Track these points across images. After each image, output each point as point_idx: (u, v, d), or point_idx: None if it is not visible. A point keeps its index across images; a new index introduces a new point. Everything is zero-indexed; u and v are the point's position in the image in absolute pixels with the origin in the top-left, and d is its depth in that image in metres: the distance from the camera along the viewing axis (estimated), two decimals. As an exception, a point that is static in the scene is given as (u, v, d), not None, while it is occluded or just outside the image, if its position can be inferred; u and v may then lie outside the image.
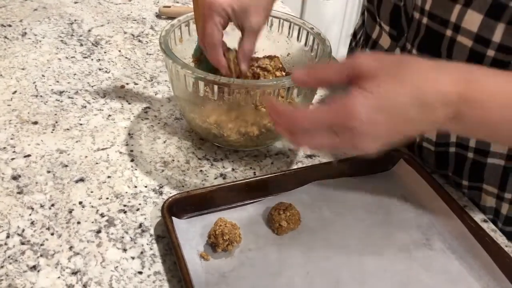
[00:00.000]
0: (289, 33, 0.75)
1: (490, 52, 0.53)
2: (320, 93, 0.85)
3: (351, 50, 0.87)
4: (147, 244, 0.58)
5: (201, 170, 0.68)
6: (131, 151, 0.70)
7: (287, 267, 0.56)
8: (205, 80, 0.61)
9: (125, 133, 0.73)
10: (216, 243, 0.56)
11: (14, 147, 0.69)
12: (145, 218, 0.61)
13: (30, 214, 0.60)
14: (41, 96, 0.79)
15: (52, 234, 0.58)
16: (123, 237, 0.58)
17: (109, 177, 0.66)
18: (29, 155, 0.68)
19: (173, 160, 0.69)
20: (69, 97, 0.79)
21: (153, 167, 0.68)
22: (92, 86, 0.83)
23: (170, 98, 0.81)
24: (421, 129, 0.46)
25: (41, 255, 0.55)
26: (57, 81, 0.83)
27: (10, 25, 0.97)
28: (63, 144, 0.70)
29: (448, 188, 0.68)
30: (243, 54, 0.63)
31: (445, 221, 0.61)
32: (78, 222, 0.59)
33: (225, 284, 0.53)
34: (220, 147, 0.72)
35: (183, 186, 0.65)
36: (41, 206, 0.61)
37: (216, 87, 0.62)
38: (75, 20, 1.01)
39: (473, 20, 0.53)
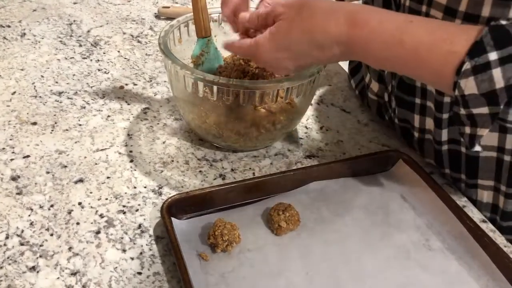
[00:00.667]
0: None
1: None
2: (319, 93, 0.86)
3: None
4: (146, 244, 0.58)
5: (200, 171, 0.68)
6: (130, 151, 0.70)
7: (287, 267, 0.56)
8: (204, 81, 0.61)
9: (124, 134, 0.73)
10: (216, 243, 0.56)
11: (13, 147, 0.69)
12: (145, 219, 0.61)
13: (29, 215, 0.60)
14: (40, 96, 0.79)
15: (52, 234, 0.58)
16: (122, 238, 0.58)
17: (108, 177, 0.66)
18: (28, 156, 0.68)
19: (173, 161, 0.69)
20: (68, 98, 0.79)
21: (152, 168, 0.68)
22: (91, 87, 0.83)
23: (169, 98, 0.81)
24: (324, 61, 0.57)
25: (40, 256, 0.55)
26: (56, 82, 0.83)
27: (9, 26, 0.97)
28: (62, 144, 0.70)
29: (447, 188, 0.68)
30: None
31: (444, 221, 0.62)
32: (77, 223, 0.59)
33: (224, 285, 0.53)
34: (219, 148, 0.72)
35: (182, 187, 0.65)
36: (40, 206, 0.61)
37: (215, 87, 0.62)
38: (74, 21, 1.01)
39: None
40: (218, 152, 0.71)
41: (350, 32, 0.52)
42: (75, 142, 0.71)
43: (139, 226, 0.60)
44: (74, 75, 0.85)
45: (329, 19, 0.52)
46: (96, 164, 0.68)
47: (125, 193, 0.64)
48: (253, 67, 0.69)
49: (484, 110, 0.49)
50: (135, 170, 0.67)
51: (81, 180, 0.65)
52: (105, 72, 0.87)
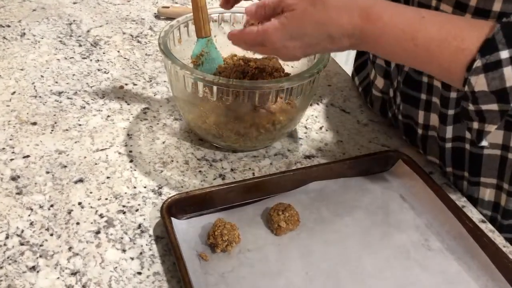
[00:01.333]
0: (287, 33, 0.75)
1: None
2: (319, 93, 0.86)
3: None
4: (146, 244, 0.58)
5: (200, 171, 0.68)
6: (130, 151, 0.70)
7: (286, 267, 0.56)
8: (204, 81, 0.62)
9: (124, 134, 0.73)
10: (215, 243, 0.56)
11: (13, 147, 0.69)
12: (144, 219, 0.61)
13: (29, 215, 0.60)
14: (40, 96, 0.79)
15: (51, 234, 0.58)
16: (122, 238, 0.58)
17: (108, 177, 0.66)
18: (28, 156, 0.68)
19: (172, 161, 0.69)
20: (68, 98, 0.80)
21: (152, 168, 0.68)
22: (91, 87, 0.83)
23: (169, 98, 0.81)
24: (332, 50, 0.57)
25: (40, 256, 0.55)
26: (56, 82, 0.83)
27: (8, 26, 0.97)
28: (62, 144, 0.70)
29: (447, 188, 0.68)
30: None
31: (443, 221, 0.62)
32: (77, 223, 0.59)
33: (224, 284, 0.53)
34: (219, 148, 0.72)
35: (182, 187, 0.66)
36: (40, 206, 0.61)
37: (215, 88, 0.62)
38: (74, 21, 1.01)
39: None
40: (217, 152, 0.71)
41: (363, 26, 0.52)
42: (75, 142, 0.71)
43: (139, 226, 0.60)
44: (74, 75, 0.85)
45: (343, 12, 0.53)
46: (96, 164, 0.68)
47: (125, 193, 0.64)
48: (253, 67, 0.69)
49: (494, 107, 0.49)
50: (135, 170, 0.67)
51: (81, 180, 0.65)
52: (105, 72, 0.87)
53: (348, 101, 0.85)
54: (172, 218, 0.57)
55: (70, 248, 0.56)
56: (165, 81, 0.85)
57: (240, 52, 0.77)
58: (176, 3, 1.12)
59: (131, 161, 0.69)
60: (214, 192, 0.61)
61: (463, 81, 0.49)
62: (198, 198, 0.60)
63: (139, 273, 0.55)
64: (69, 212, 0.61)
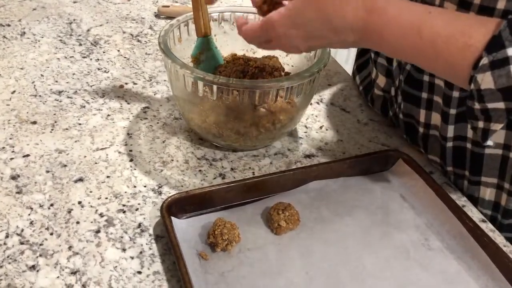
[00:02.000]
0: (288, 33, 0.75)
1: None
2: (319, 93, 0.86)
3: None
4: (146, 244, 0.58)
5: (200, 170, 0.68)
6: (130, 151, 0.70)
7: (286, 267, 0.56)
8: (204, 80, 0.62)
9: (124, 133, 0.73)
10: (215, 242, 0.56)
11: (13, 147, 0.69)
12: (144, 218, 0.61)
13: (29, 214, 0.60)
14: (40, 96, 0.79)
15: (51, 234, 0.58)
16: (122, 237, 0.58)
17: (108, 177, 0.66)
18: (28, 155, 0.68)
19: (172, 160, 0.69)
20: (68, 97, 0.79)
21: (152, 167, 0.68)
22: (91, 86, 0.83)
23: (169, 98, 0.81)
24: (335, 44, 0.56)
25: (40, 255, 0.55)
26: (56, 81, 0.83)
27: (9, 25, 0.97)
28: (62, 144, 0.70)
29: (447, 188, 0.68)
30: None
31: (443, 221, 0.62)
32: (77, 222, 0.59)
33: (224, 284, 0.53)
34: (219, 147, 0.72)
35: (182, 186, 0.65)
36: (40, 206, 0.61)
37: (215, 87, 0.62)
38: (74, 20, 1.01)
39: None
40: (217, 152, 0.71)
41: (367, 18, 0.51)
42: (75, 141, 0.71)
43: (139, 225, 0.60)
44: (74, 74, 0.85)
45: (347, 3, 0.51)
46: (96, 163, 0.68)
47: (125, 192, 0.64)
48: (253, 66, 0.69)
49: (500, 105, 0.48)
50: (135, 169, 0.67)
51: (81, 179, 0.65)
52: (105, 71, 0.87)
53: (348, 100, 0.85)
54: (172, 217, 0.57)
55: (70, 247, 0.56)
56: (165, 80, 0.85)
57: (240, 51, 0.77)
58: (176, 2, 1.12)
59: (131, 160, 0.69)
60: (214, 191, 0.61)
61: (468, 79, 0.48)
62: (198, 197, 0.60)
63: (139, 272, 0.55)
64: (69, 211, 0.61)
